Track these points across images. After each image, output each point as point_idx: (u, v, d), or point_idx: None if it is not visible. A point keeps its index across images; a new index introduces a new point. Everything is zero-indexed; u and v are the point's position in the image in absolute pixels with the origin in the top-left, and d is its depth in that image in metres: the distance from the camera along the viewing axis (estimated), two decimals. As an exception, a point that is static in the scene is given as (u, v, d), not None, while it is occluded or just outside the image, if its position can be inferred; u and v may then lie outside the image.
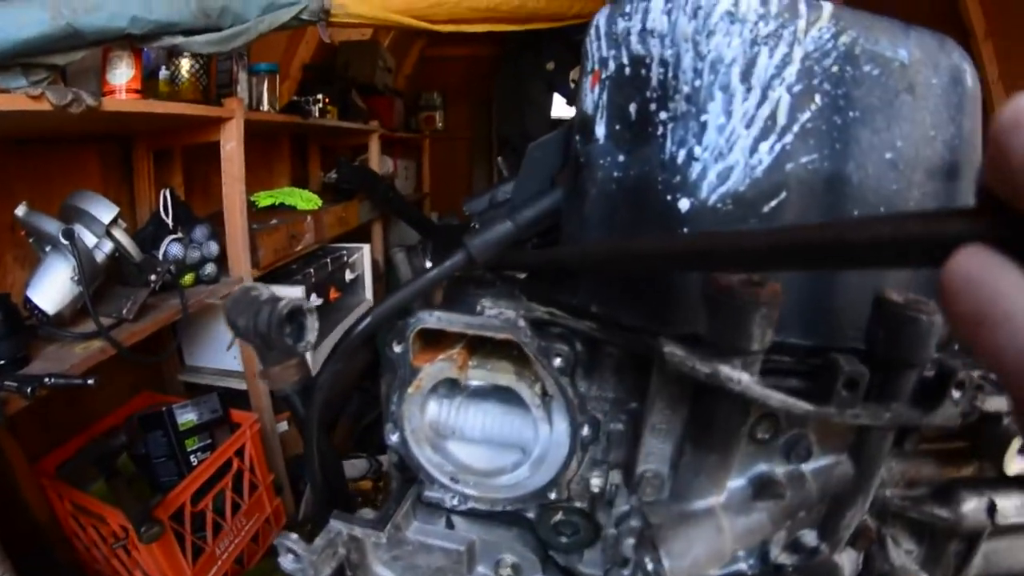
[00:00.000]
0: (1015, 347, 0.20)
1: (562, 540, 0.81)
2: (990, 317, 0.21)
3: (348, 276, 3.11)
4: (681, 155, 0.67)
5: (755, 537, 0.66)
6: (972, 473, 0.84)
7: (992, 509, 0.80)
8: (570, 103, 4.84)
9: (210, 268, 2.17)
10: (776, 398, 0.55)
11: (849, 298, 0.68)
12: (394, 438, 0.81)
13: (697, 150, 0.67)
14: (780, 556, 0.70)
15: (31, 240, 1.67)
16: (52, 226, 1.61)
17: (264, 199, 2.89)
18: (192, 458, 1.99)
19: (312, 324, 0.65)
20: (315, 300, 2.59)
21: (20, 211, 1.59)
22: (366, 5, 2.09)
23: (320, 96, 2.98)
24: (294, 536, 0.78)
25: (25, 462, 1.77)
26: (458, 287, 0.83)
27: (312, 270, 2.69)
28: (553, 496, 0.79)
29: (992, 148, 0.21)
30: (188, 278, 2.11)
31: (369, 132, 3.69)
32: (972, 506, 0.79)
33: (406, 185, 4.85)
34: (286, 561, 0.79)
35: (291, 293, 2.34)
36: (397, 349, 0.76)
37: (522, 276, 0.89)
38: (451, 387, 0.80)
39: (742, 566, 0.69)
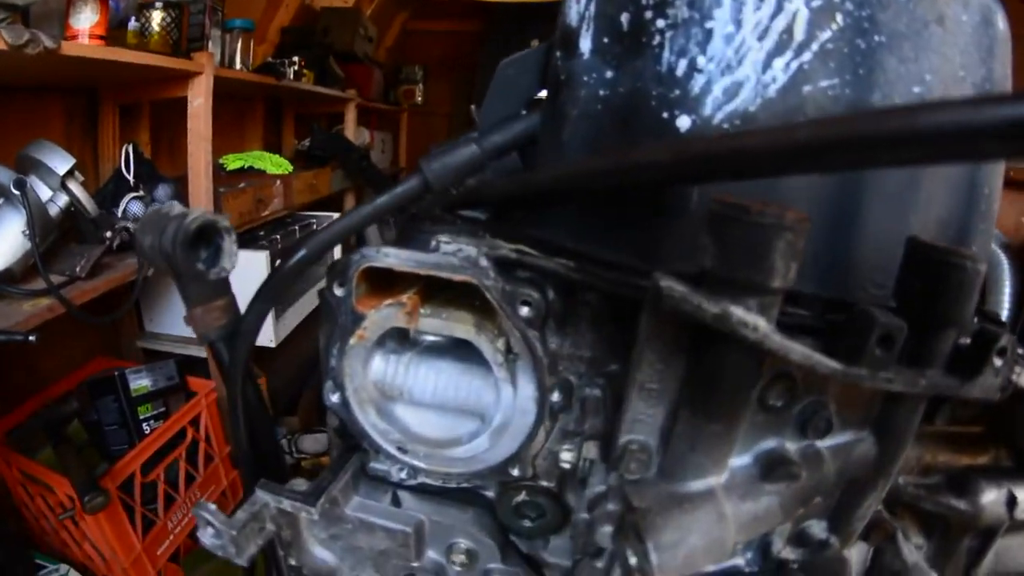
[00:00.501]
0: None
1: (525, 524, 0.69)
2: None
3: None
4: (682, 66, 0.56)
5: (761, 526, 0.54)
6: (988, 462, 0.74)
7: (1012, 502, 0.70)
8: None
9: None
10: (799, 351, 0.43)
11: (870, 244, 0.57)
12: (334, 398, 0.68)
13: (701, 60, 0.55)
14: (784, 550, 0.57)
15: None
16: (3, 175, 1.52)
17: (233, 161, 2.79)
18: (144, 426, 1.89)
19: (230, 247, 0.52)
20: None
21: None
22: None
23: (296, 59, 2.86)
24: (212, 507, 0.64)
25: (-27, 427, 1.70)
26: (412, 224, 0.69)
27: (279, 236, 2.60)
28: (516, 473, 0.66)
29: None
30: None
31: (346, 100, 3.58)
32: (991, 498, 0.69)
33: (382, 158, 4.78)
34: (205, 535, 0.66)
35: (254, 257, 2.23)
36: (338, 292, 0.63)
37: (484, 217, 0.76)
38: (401, 340, 0.67)
39: (739, 561, 0.56)
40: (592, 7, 0.63)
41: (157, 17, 2.04)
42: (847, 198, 0.56)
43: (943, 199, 0.60)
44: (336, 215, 3.09)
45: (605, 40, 0.62)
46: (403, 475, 0.72)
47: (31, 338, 1.37)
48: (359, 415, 0.68)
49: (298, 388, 2.84)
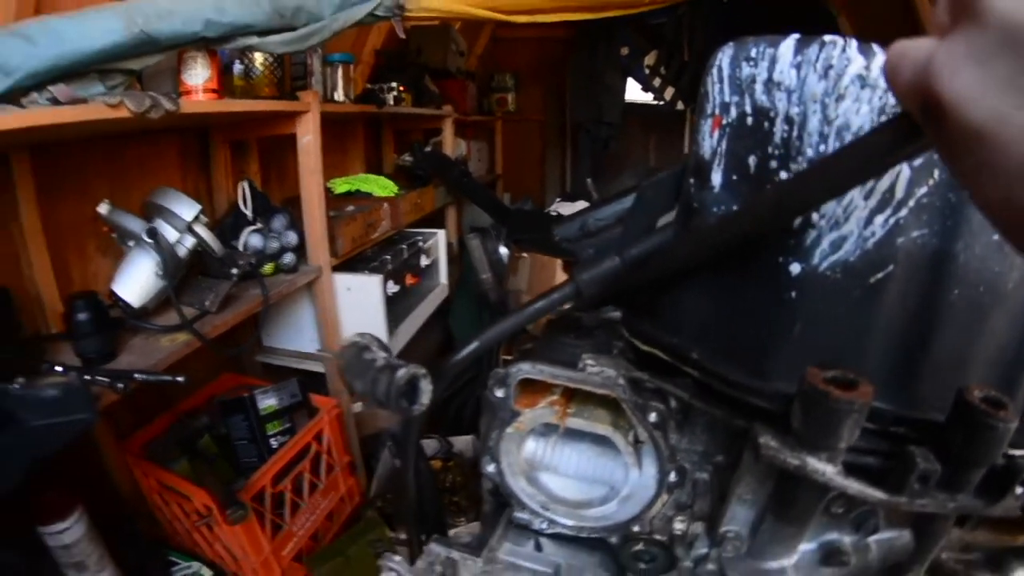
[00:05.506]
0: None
1: (640, 567, 0.87)
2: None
3: (424, 262, 3.14)
4: (798, 219, 0.67)
5: (818, 599, 0.73)
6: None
7: (1039, 581, 0.84)
8: (645, 88, 4.89)
9: (289, 257, 2.23)
10: (854, 488, 0.62)
11: (936, 370, 0.68)
12: (490, 468, 0.88)
13: (814, 216, 0.66)
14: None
15: (114, 235, 1.75)
16: (136, 224, 1.69)
17: (341, 185, 2.93)
18: (272, 441, 2.09)
19: (426, 387, 0.70)
20: (392, 288, 2.64)
21: (103, 209, 1.66)
22: (440, -1, 2.09)
23: (395, 84, 3.01)
24: (398, 558, 0.86)
25: (113, 440, 1.89)
26: (557, 334, 0.88)
27: (388, 257, 2.74)
28: (636, 529, 0.85)
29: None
30: (268, 268, 2.17)
31: (443, 117, 3.70)
32: None
33: (479, 167, 4.86)
34: (392, 581, 0.87)
35: (369, 281, 2.43)
36: (499, 393, 0.83)
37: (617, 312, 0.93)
38: (547, 426, 0.86)
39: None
40: (724, 144, 0.73)
41: (260, 58, 2.12)
42: (924, 325, 0.67)
43: (1004, 329, 0.70)
44: (441, 232, 3.28)
45: (734, 177, 0.72)
46: (544, 526, 0.91)
47: (179, 379, 1.51)
48: (511, 481, 0.88)
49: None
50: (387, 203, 2.81)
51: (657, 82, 4.85)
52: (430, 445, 2.61)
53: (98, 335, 1.54)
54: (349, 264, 2.54)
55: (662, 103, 4.91)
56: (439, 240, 3.32)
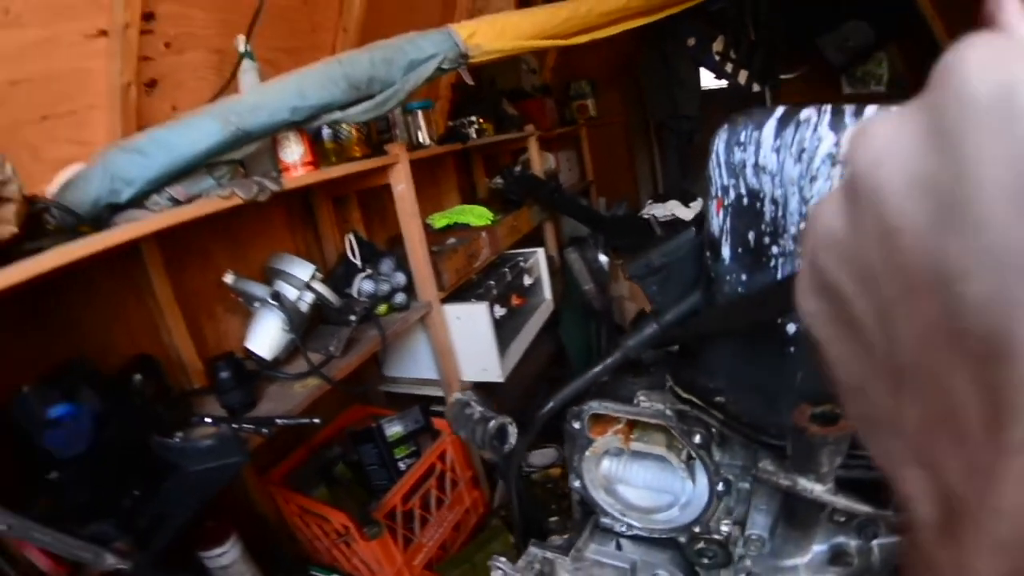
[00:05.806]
0: None
1: (704, 561, 1.05)
2: None
3: (527, 281, 3.29)
4: None
5: (826, 594, 0.93)
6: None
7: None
8: (718, 76, 4.76)
9: (400, 297, 2.43)
10: (841, 503, 0.79)
11: None
12: (576, 484, 1.10)
13: None
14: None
15: (240, 299, 2.02)
16: (259, 290, 1.96)
17: (439, 220, 3.06)
18: (400, 464, 2.33)
19: (512, 431, 0.93)
20: (499, 311, 2.80)
21: (229, 279, 1.93)
22: (500, 40, 2.20)
23: (475, 118, 3.15)
24: (503, 559, 1.08)
25: (256, 474, 2.17)
26: (621, 372, 1.09)
27: (493, 282, 2.88)
28: (697, 530, 1.04)
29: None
30: (382, 309, 2.39)
31: (527, 137, 3.83)
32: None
33: (570, 176, 4.89)
34: (498, 577, 1.10)
35: (476, 309, 2.56)
36: (576, 425, 1.05)
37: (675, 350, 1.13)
38: (618, 449, 1.07)
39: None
40: (728, 223, 0.85)
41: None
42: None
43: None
44: (540, 250, 3.38)
45: (739, 250, 0.85)
46: (623, 529, 1.12)
47: (316, 421, 1.75)
48: (593, 493, 1.10)
49: (523, 412, 3.04)
50: (485, 232, 2.96)
51: (729, 67, 4.73)
52: (548, 454, 2.75)
53: (239, 388, 1.78)
54: (456, 293, 2.66)
55: (738, 87, 4.77)
56: (539, 258, 3.38)
